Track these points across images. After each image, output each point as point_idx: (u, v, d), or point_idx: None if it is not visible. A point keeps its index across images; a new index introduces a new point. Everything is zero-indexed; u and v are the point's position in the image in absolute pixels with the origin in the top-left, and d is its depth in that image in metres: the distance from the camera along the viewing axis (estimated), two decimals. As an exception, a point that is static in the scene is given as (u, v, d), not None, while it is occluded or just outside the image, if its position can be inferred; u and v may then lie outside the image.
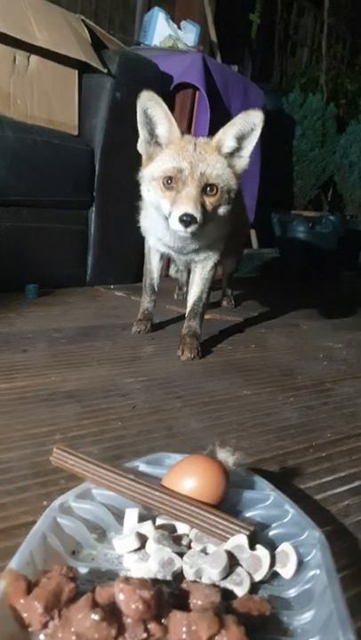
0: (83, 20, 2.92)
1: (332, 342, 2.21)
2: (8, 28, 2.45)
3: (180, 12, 4.37)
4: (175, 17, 4.21)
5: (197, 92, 3.33)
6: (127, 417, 1.29)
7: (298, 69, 6.71)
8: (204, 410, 1.38)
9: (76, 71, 2.81)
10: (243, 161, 1.60)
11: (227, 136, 1.56)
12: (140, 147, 1.62)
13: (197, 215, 1.42)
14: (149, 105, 1.54)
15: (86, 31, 2.88)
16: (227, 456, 0.88)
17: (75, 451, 0.90)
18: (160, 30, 3.69)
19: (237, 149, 1.59)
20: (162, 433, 1.22)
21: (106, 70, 2.78)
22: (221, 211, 1.57)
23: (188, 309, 1.95)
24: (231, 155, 1.58)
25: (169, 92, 3.28)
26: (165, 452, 1.00)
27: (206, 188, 1.50)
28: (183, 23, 3.88)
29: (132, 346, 1.90)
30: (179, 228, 1.45)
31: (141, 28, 3.96)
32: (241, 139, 1.57)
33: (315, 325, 2.55)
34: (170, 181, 1.50)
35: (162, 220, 1.63)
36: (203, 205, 1.47)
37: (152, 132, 1.58)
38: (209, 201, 1.50)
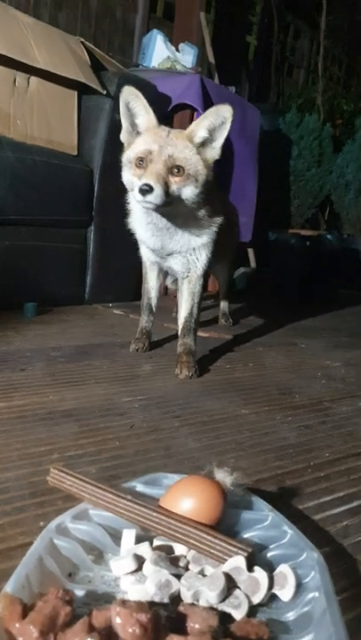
0: (82, 42, 2.96)
1: (330, 361, 2.21)
2: (9, 50, 2.48)
3: (179, 35, 4.43)
4: (173, 39, 4.26)
5: (195, 113, 3.36)
6: (125, 436, 1.29)
7: (295, 90, 6.79)
8: (202, 429, 1.38)
9: (76, 92, 2.84)
10: (214, 152, 1.69)
11: (199, 127, 1.66)
12: (123, 136, 1.74)
13: (156, 186, 1.53)
14: (130, 99, 1.67)
15: (85, 53, 2.91)
16: (225, 476, 0.87)
17: (72, 471, 0.90)
18: (158, 52, 3.74)
19: (209, 140, 1.67)
20: (159, 453, 1.22)
21: (105, 92, 2.81)
22: (187, 192, 1.64)
23: (180, 327, 1.98)
24: (203, 145, 1.67)
25: (167, 112, 3.31)
26: (163, 472, 0.99)
27: (173, 168, 1.59)
28: (181, 45, 3.92)
29: (130, 364, 1.89)
30: (139, 197, 1.54)
31: (140, 49, 4.01)
32: (213, 131, 1.66)
33: (313, 344, 2.54)
34: (141, 162, 1.60)
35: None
36: (166, 183, 1.57)
37: (133, 123, 1.71)
38: (174, 180, 1.60)
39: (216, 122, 1.65)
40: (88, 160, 2.85)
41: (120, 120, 1.74)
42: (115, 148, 2.82)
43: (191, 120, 3.37)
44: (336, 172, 5.35)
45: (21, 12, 2.81)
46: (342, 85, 7.43)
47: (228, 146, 3.74)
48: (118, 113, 2.84)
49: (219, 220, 1.88)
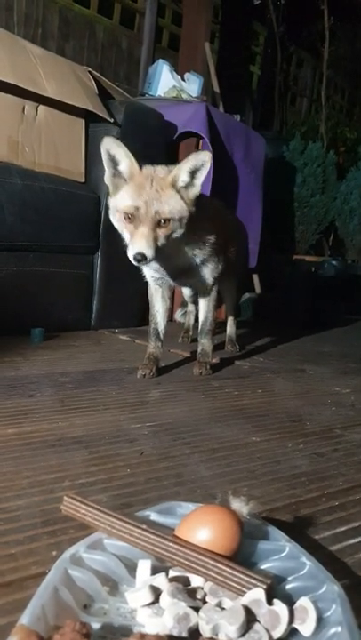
0: (89, 72, 3.00)
1: (339, 387, 2.20)
2: (18, 79, 2.52)
3: (184, 64, 4.50)
4: (179, 69, 4.32)
5: (201, 141, 3.39)
6: (135, 464, 1.27)
7: (298, 119, 6.87)
8: (213, 457, 1.36)
9: (83, 120, 2.87)
10: (195, 189, 1.82)
11: (181, 171, 1.78)
12: (107, 180, 1.83)
13: (149, 253, 1.68)
14: (111, 147, 1.77)
15: (93, 82, 2.95)
16: (241, 506, 0.86)
17: (85, 499, 0.88)
18: (164, 81, 3.79)
19: (190, 182, 1.81)
20: (171, 480, 1.20)
21: (112, 120, 2.84)
22: (174, 236, 1.80)
23: (198, 330, 2.28)
24: (185, 187, 1.80)
25: (173, 140, 3.34)
26: (177, 501, 0.98)
27: (160, 222, 1.72)
28: (187, 75, 3.98)
29: (138, 390, 1.88)
30: (133, 262, 1.71)
31: (146, 79, 4.06)
32: (193, 173, 1.80)
33: (321, 370, 2.53)
34: (129, 217, 1.73)
35: None
36: (155, 239, 1.71)
37: (115, 168, 1.79)
38: (162, 232, 1.73)
39: (197, 165, 1.78)
40: (95, 187, 2.87)
41: (102, 155, 1.81)
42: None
43: (197, 148, 3.41)
44: (340, 199, 5.39)
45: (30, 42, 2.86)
46: (345, 114, 7.51)
47: (233, 172, 3.78)
48: (125, 141, 2.90)
49: (212, 234, 2.03)
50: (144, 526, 0.83)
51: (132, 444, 1.39)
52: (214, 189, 3.41)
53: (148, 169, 1.77)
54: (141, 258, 1.67)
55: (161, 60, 3.90)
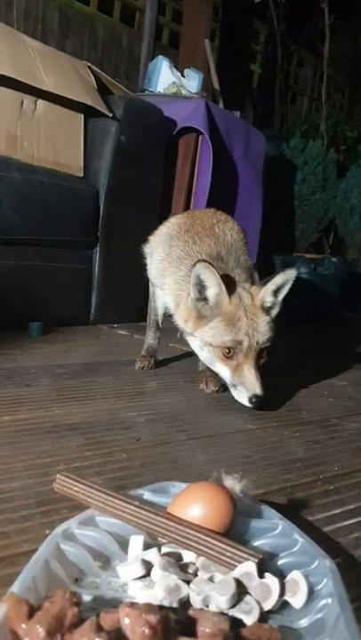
0: (89, 67, 3.00)
1: (336, 380, 2.20)
2: (17, 73, 2.51)
3: (184, 61, 4.51)
4: (179, 65, 4.32)
5: (201, 137, 3.39)
6: (131, 449, 1.27)
7: (298, 117, 6.87)
8: (208, 443, 1.36)
9: (82, 115, 2.87)
10: (277, 308, 1.77)
11: (267, 294, 1.70)
12: (192, 303, 1.70)
13: (262, 392, 1.57)
14: (202, 272, 1.63)
15: (92, 77, 2.95)
16: (234, 483, 0.86)
17: (78, 477, 0.88)
18: (164, 77, 3.79)
19: (274, 301, 1.75)
20: (166, 465, 1.20)
21: (111, 114, 2.84)
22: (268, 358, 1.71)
23: None
24: (270, 307, 1.74)
25: (173, 136, 3.34)
26: (170, 481, 0.98)
27: (261, 352, 1.64)
28: (187, 71, 3.98)
29: (135, 381, 1.88)
30: (248, 405, 1.59)
31: (146, 75, 4.06)
32: (276, 292, 1.74)
33: (318, 364, 2.53)
34: (229, 351, 1.62)
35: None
36: (259, 370, 1.62)
37: (202, 292, 1.67)
38: (262, 361, 1.66)
39: (281, 284, 1.72)
40: (94, 182, 2.87)
41: (192, 278, 1.67)
42: (120, 170, 2.88)
43: (197, 144, 3.41)
44: (340, 197, 5.37)
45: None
46: (346, 113, 7.51)
47: (232, 169, 3.78)
48: (124, 136, 2.91)
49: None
50: (137, 503, 0.83)
51: (128, 431, 1.39)
52: (214, 186, 3.41)
53: (236, 297, 1.66)
54: (259, 400, 1.56)
55: (161, 57, 3.90)
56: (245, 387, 1.57)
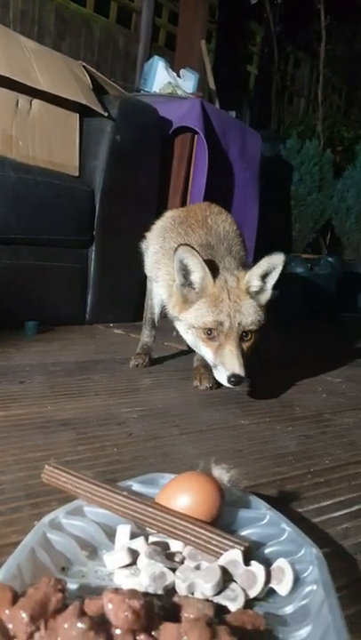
0: (84, 66, 3.00)
1: (330, 377, 2.20)
2: (11, 72, 2.52)
3: (180, 61, 4.51)
4: (175, 65, 4.33)
5: (196, 137, 3.40)
6: (123, 443, 1.27)
7: (295, 118, 6.88)
8: (201, 437, 1.36)
9: (78, 115, 2.87)
10: (266, 294, 1.72)
11: (253, 277, 1.66)
12: (176, 289, 1.69)
13: (244, 373, 1.52)
14: (185, 256, 1.62)
15: (87, 76, 2.95)
16: (222, 473, 0.86)
17: (67, 468, 0.88)
18: (160, 77, 3.80)
19: (261, 286, 1.70)
20: (158, 458, 1.20)
21: (106, 114, 2.84)
22: (255, 346, 1.67)
23: None
24: (257, 292, 1.69)
25: (168, 136, 3.35)
26: (160, 473, 0.98)
27: (243, 335, 1.60)
28: (182, 71, 3.99)
29: (129, 378, 1.89)
30: (227, 385, 1.55)
31: (142, 75, 4.07)
32: (264, 277, 1.69)
33: (313, 362, 2.53)
34: (210, 332, 1.60)
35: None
36: (243, 355, 1.57)
37: (187, 278, 1.66)
38: (245, 346, 1.61)
39: (269, 269, 1.68)
40: (89, 181, 2.87)
41: (175, 263, 1.65)
42: (116, 169, 2.88)
43: (192, 144, 3.41)
44: (337, 197, 5.38)
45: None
46: (342, 113, 7.53)
47: (228, 169, 3.79)
48: (120, 135, 2.92)
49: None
50: (125, 493, 0.83)
51: (121, 426, 1.40)
52: (210, 186, 3.42)
53: (220, 279, 1.64)
54: (238, 380, 1.52)
55: (156, 57, 3.91)
56: (225, 366, 1.54)
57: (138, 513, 0.80)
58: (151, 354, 2.15)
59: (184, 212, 2.01)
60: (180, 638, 0.56)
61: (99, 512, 0.83)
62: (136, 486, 0.92)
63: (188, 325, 1.66)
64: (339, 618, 0.62)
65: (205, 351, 1.63)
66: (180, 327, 1.73)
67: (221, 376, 1.56)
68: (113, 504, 0.82)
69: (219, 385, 1.79)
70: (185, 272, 1.65)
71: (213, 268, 1.66)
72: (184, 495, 0.81)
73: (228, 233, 1.90)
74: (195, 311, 1.64)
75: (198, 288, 1.65)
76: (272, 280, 1.71)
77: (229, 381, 1.52)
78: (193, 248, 1.61)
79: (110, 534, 0.80)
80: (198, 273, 1.63)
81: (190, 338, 1.69)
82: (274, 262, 1.67)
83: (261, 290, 1.70)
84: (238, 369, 1.52)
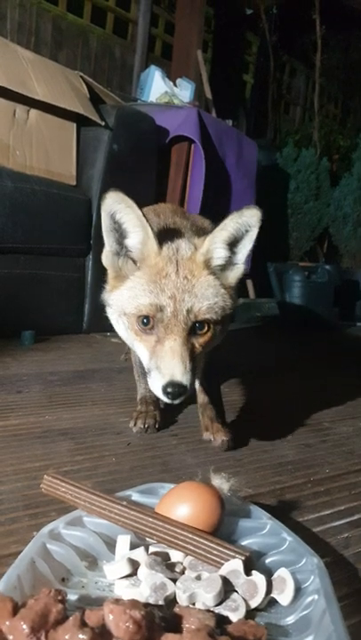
0: (81, 76, 3.02)
1: (328, 385, 2.20)
2: (9, 82, 2.53)
3: (176, 70, 4.53)
4: (171, 75, 4.36)
5: (193, 145, 3.41)
6: (122, 453, 1.27)
7: (291, 127, 6.91)
8: (199, 447, 1.36)
9: (75, 124, 2.88)
10: (237, 269, 1.23)
11: (216, 245, 1.19)
12: (106, 259, 1.23)
13: (187, 381, 1.05)
14: (118, 208, 1.15)
15: (84, 86, 2.97)
16: (222, 482, 0.86)
17: (66, 478, 0.88)
18: (156, 87, 3.82)
19: (230, 257, 1.22)
20: (156, 468, 1.20)
21: (103, 123, 2.86)
22: (213, 343, 1.21)
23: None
24: (223, 266, 1.22)
25: (165, 144, 3.36)
26: (159, 482, 0.98)
27: (195, 325, 1.13)
28: (179, 80, 4.01)
29: (127, 387, 1.88)
30: (164, 399, 1.08)
31: (138, 85, 4.08)
32: (233, 244, 1.20)
33: (312, 369, 2.53)
34: (147, 321, 1.13)
35: None
36: (192, 356, 1.10)
37: (121, 242, 1.20)
38: (198, 342, 1.14)
39: (238, 232, 1.19)
40: (86, 190, 2.88)
41: (103, 220, 1.18)
42: (113, 178, 2.89)
43: (189, 152, 3.42)
44: (334, 205, 5.40)
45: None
46: (339, 122, 7.56)
47: (225, 177, 3.80)
48: (117, 144, 2.93)
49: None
50: (124, 503, 0.83)
51: (119, 436, 1.39)
52: (206, 194, 3.43)
53: (169, 247, 1.18)
54: (178, 391, 1.05)
55: (153, 66, 3.93)
56: (160, 370, 1.07)
57: (138, 523, 0.80)
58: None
59: (149, 207, 1.58)
60: (181, 649, 0.56)
61: (98, 522, 0.83)
62: (135, 496, 0.91)
63: (119, 311, 1.20)
64: (341, 627, 0.61)
65: (140, 349, 1.18)
66: (111, 315, 1.29)
67: (155, 384, 1.09)
68: (113, 514, 0.81)
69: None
70: (118, 233, 1.18)
71: (165, 235, 1.23)
72: (184, 505, 0.81)
73: (201, 222, 1.52)
74: (128, 290, 1.17)
75: (137, 257, 1.19)
76: (245, 249, 1.22)
77: (165, 393, 1.06)
78: (128, 196, 1.13)
79: (110, 545, 0.80)
80: (136, 234, 1.17)
81: (122, 330, 1.25)
82: (245, 222, 1.18)
83: (229, 263, 1.22)
84: (179, 374, 1.05)
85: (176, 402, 1.08)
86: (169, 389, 1.05)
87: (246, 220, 1.17)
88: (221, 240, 1.18)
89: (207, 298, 1.15)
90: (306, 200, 5.30)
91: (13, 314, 2.55)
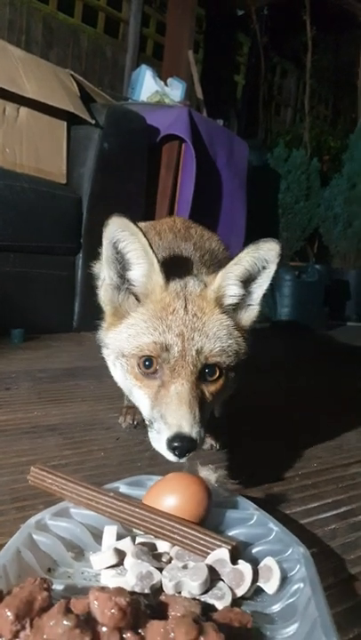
0: (72, 75, 3.01)
1: (316, 382, 2.21)
2: (-1, 80, 2.52)
3: (167, 70, 4.54)
4: (162, 74, 4.36)
5: (184, 144, 3.41)
6: (110, 448, 1.27)
7: (282, 128, 6.93)
8: (188, 442, 1.36)
9: (65, 122, 2.88)
10: (252, 311, 1.10)
11: (229, 281, 1.05)
12: (105, 293, 1.09)
13: (196, 434, 0.89)
14: (121, 237, 1.02)
15: (75, 85, 2.96)
16: (209, 474, 0.86)
17: (52, 470, 0.88)
18: (147, 86, 3.82)
19: (244, 296, 1.09)
20: (145, 462, 1.20)
21: (94, 122, 2.85)
22: (225, 393, 1.08)
23: None
24: (236, 306, 1.09)
25: (156, 144, 3.36)
26: (147, 475, 0.97)
27: (205, 370, 0.99)
28: (170, 80, 4.01)
29: (116, 384, 1.88)
30: (168, 456, 0.92)
31: (129, 84, 4.08)
32: (248, 281, 1.07)
33: (300, 366, 2.54)
34: (149, 363, 0.99)
35: None
36: (201, 402, 0.95)
37: (123, 275, 1.06)
38: (208, 390, 0.99)
39: (254, 268, 1.05)
40: (77, 188, 2.88)
41: (104, 248, 1.05)
42: (103, 176, 2.88)
43: (180, 151, 3.42)
44: (324, 206, 5.42)
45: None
46: (329, 123, 7.59)
47: (216, 177, 3.80)
48: (107, 142, 2.92)
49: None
50: (111, 494, 0.82)
51: (108, 431, 1.39)
52: (197, 193, 3.43)
53: (176, 283, 1.05)
54: (186, 447, 0.88)
55: (144, 66, 3.94)
56: (165, 420, 0.92)
57: (124, 514, 0.80)
58: None
59: (149, 223, 1.45)
60: (167, 635, 0.56)
61: (85, 513, 0.83)
62: (123, 488, 0.91)
63: (117, 352, 1.06)
64: (326, 614, 0.61)
65: (140, 396, 1.02)
66: (107, 356, 1.14)
67: (158, 437, 0.93)
68: (99, 505, 0.81)
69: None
70: (120, 265, 1.05)
71: (171, 265, 1.10)
72: (171, 495, 0.81)
73: (209, 243, 1.36)
74: (127, 328, 1.04)
75: (140, 291, 1.06)
76: (260, 288, 1.08)
77: (170, 448, 0.90)
78: (133, 222, 1.00)
79: (97, 536, 0.80)
80: (140, 266, 1.04)
81: (119, 375, 1.10)
82: (262, 256, 1.04)
83: (243, 302, 1.09)
84: (187, 425, 0.89)
85: (182, 460, 0.90)
86: (175, 444, 0.88)
87: (263, 255, 1.03)
88: (235, 276, 1.05)
89: (219, 339, 1.01)
90: (296, 200, 5.31)
91: (3, 312, 2.54)
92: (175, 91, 3.93)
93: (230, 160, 3.90)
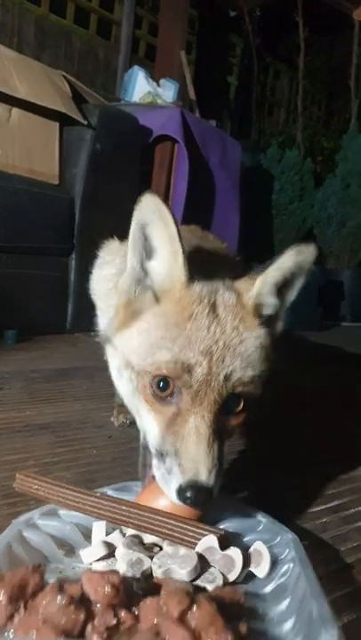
0: (64, 76, 3.01)
1: (305, 380, 2.21)
2: (-10, 81, 2.52)
3: (160, 71, 4.54)
4: (155, 75, 4.36)
5: (176, 145, 3.41)
6: (103, 446, 1.27)
7: (275, 129, 6.95)
8: (181, 438, 1.36)
9: (57, 123, 2.88)
10: (279, 325, 0.96)
11: (268, 287, 0.89)
12: (124, 281, 0.92)
13: (213, 481, 0.75)
14: (150, 219, 0.86)
15: (67, 86, 2.97)
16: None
17: (37, 475, 0.88)
18: (140, 87, 3.82)
19: (277, 303, 0.93)
20: (138, 459, 1.20)
21: (86, 122, 2.85)
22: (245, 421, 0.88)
23: None
24: (271, 319, 0.93)
25: (148, 144, 3.37)
26: (135, 481, 0.97)
27: (229, 400, 0.82)
28: (162, 81, 4.02)
29: (109, 384, 1.85)
30: (176, 501, 0.76)
31: (122, 85, 4.09)
32: (280, 290, 0.91)
33: (297, 367, 2.54)
34: (164, 385, 0.81)
35: None
36: (220, 439, 0.80)
37: (144, 261, 0.90)
38: (230, 425, 0.85)
39: (289, 275, 0.89)
40: (69, 189, 2.88)
41: (131, 231, 0.88)
42: (96, 177, 2.89)
43: (172, 152, 3.43)
44: (318, 206, 5.43)
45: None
46: (322, 124, 7.62)
47: (209, 177, 3.81)
48: (99, 143, 2.93)
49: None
50: (97, 494, 0.82)
51: (100, 430, 1.39)
52: (190, 194, 3.43)
53: (200, 285, 0.86)
54: (201, 498, 0.74)
55: (136, 67, 3.94)
56: (179, 461, 0.76)
57: (111, 512, 0.79)
58: None
59: None
60: (160, 610, 0.57)
61: (74, 514, 0.83)
62: (111, 493, 0.91)
63: (125, 361, 0.88)
64: (316, 585, 0.63)
65: (148, 421, 0.85)
66: (111, 359, 0.99)
67: (168, 479, 0.77)
68: (87, 506, 0.81)
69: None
70: (145, 248, 0.89)
71: (198, 266, 0.89)
72: (166, 497, 0.80)
73: (224, 250, 1.28)
74: (139, 334, 0.86)
75: (158, 287, 0.88)
76: (292, 295, 0.93)
77: (182, 498, 0.74)
78: (166, 205, 0.84)
79: (87, 535, 0.80)
80: (165, 258, 0.87)
81: (124, 387, 0.93)
82: (302, 262, 0.88)
83: (277, 312, 0.94)
84: (205, 472, 0.75)
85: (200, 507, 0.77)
86: (189, 493, 0.74)
87: (303, 260, 0.87)
88: (274, 284, 0.88)
89: (252, 363, 0.83)
90: (290, 201, 5.33)
91: (-4, 313, 2.54)
92: (168, 92, 3.94)
93: (223, 160, 3.90)
